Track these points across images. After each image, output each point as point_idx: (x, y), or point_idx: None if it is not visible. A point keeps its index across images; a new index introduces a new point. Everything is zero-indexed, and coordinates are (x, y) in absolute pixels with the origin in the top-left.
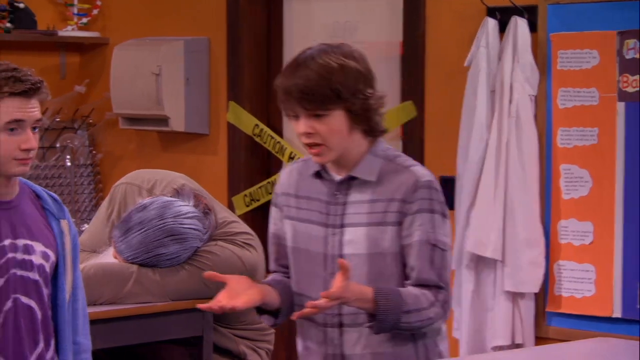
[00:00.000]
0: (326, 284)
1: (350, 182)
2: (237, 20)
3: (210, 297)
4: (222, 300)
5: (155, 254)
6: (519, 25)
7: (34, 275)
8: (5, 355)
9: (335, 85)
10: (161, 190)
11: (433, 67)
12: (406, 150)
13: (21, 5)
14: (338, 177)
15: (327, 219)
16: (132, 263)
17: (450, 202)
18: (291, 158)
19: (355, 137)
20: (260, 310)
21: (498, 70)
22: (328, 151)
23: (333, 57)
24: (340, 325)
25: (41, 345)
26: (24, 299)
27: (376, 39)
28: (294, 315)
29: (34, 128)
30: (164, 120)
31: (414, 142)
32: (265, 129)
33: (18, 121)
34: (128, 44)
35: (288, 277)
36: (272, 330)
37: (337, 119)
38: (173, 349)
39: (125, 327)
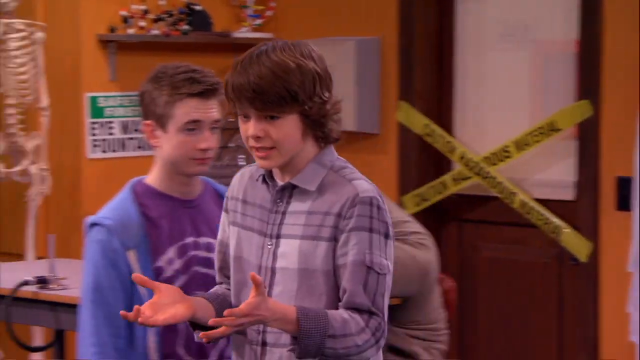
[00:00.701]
0: None
1: (292, 190)
2: (408, 19)
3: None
4: (144, 312)
5: None
6: None
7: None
8: (188, 350)
9: (292, 87)
10: None
11: (610, 66)
12: (581, 149)
13: (198, 8)
14: (280, 183)
15: (265, 228)
16: None
17: (626, 203)
18: (462, 158)
19: (307, 143)
20: (194, 324)
21: None
22: (277, 156)
23: (290, 55)
24: (263, 344)
25: (222, 341)
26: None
27: (550, 37)
28: (210, 321)
29: (212, 128)
30: None
31: (588, 141)
32: (436, 128)
33: (196, 121)
34: None
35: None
36: (446, 330)
37: (291, 123)
38: None
39: None
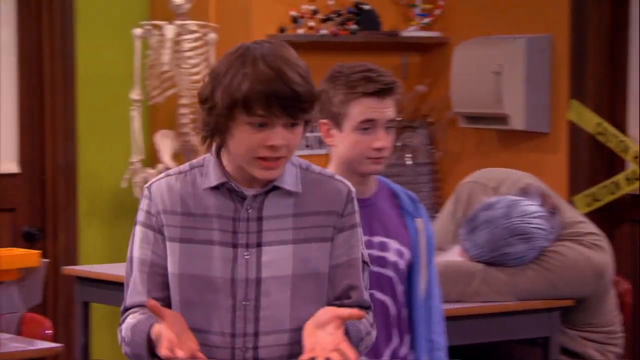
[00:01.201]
0: (234, 314)
1: (266, 194)
2: (581, 17)
3: (557, 298)
4: (175, 347)
5: (501, 253)
6: None
7: (389, 272)
8: None
9: (316, 91)
10: (507, 189)
11: None
12: None
13: (366, 7)
14: (250, 190)
15: (233, 238)
16: (478, 261)
17: None
18: (635, 157)
19: None
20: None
21: None
22: (283, 165)
23: (299, 59)
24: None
25: (395, 340)
26: (379, 295)
27: None
28: None
29: (387, 128)
30: (503, 119)
31: None
32: (609, 127)
33: (371, 121)
34: (469, 43)
35: None
36: (621, 334)
37: (301, 129)
38: (523, 349)
39: (472, 325)
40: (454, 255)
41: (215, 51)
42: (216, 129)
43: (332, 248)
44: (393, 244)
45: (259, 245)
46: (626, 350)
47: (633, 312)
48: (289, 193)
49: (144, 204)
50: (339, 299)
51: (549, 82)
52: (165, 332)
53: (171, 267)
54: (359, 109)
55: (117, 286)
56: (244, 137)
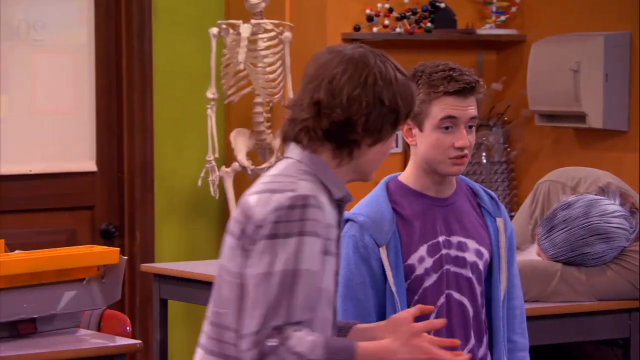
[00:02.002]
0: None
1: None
2: None
3: (638, 299)
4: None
5: (580, 253)
6: None
7: (467, 273)
8: None
9: None
10: (586, 188)
11: None
12: None
13: (442, 5)
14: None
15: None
16: (556, 261)
17: None
18: None
19: None
20: None
21: None
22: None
23: None
24: None
25: (472, 341)
26: (457, 295)
27: None
28: None
29: (469, 127)
30: (581, 117)
31: None
32: None
33: (452, 118)
34: (546, 40)
35: None
36: None
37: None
38: (603, 350)
39: (552, 325)
40: (532, 255)
41: (290, 50)
42: (380, 133)
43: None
44: (472, 244)
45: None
46: None
47: None
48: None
49: (316, 215)
50: None
51: (628, 80)
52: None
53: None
54: (440, 107)
55: (194, 283)
56: (391, 142)
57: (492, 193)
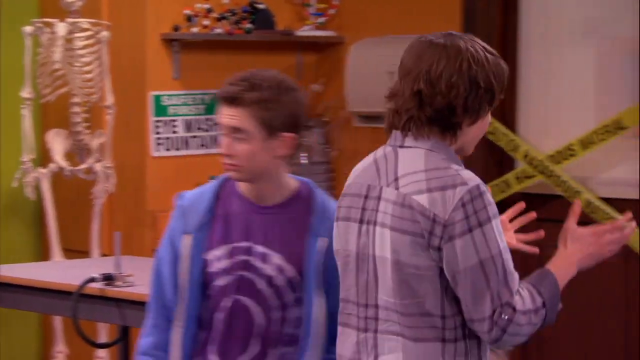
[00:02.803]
0: None
1: None
2: (472, 16)
3: None
4: None
5: None
6: None
7: (261, 284)
8: (213, 349)
9: None
10: None
11: None
12: None
13: (261, 7)
14: None
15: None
16: None
17: None
18: (525, 156)
19: None
20: None
21: None
22: None
23: None
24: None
25: (255, 350)
26: (247, 302)
27: (617, 35)
28: None
29: (232, 136)
30: None
31: None
32: (499, 126)
33: (221, 125)
34: (364, 42)
35: None
36: None
37: None
38: None
39: None
40: None
41: (107, 49)
42: (478, 113)
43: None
44: (276, 259)
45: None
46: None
47: None
48: None
49: (490, 198)
50: None
51: None
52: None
53: None
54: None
55: (10, 287)
56: (486, 120)
57: (333, 209)
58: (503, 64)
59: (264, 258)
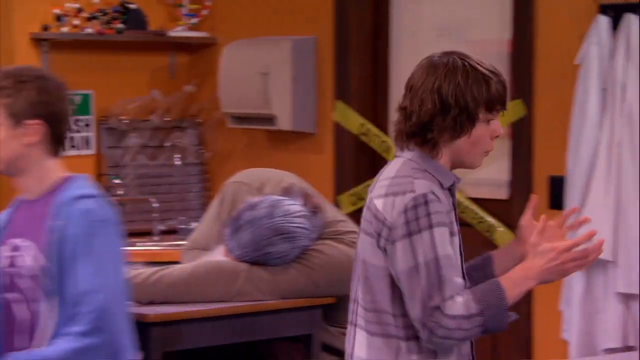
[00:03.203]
0: None
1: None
2: (344, 19)
3: (319, 296)
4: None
5: (264, 253)
6: (632, 23)
7: (22, 276)
8: None
9: None
10: (271, 189)
11: (543, 65)
12: (514, 149)
13: (133, 7)
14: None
15: (453, 227)
16: (242, 261)
17: (559, 202)
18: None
19: None
20: None
21: (610, 69)
22: None
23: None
24: None
25: (25, 343)
26: (9, 296)
27: (484, 37)
28: None
29: None
30: (271, 119)
31: (522, 141)
32: (372, 128)
33: None
34: (237, 44)
35: None
36: None
37: None
38: (286, 346)
39: (236, 324)
40: (219, 255)
41: None
42: (455, 130)
43: None
44: (29, 250)
45: (458, 232)
46: None
47: None
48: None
49: (437, 207)
50: None
51: (314, 84)
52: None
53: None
54: None
55: None
56: (480, 132)
57: (74, 195)
58: (495, 83)
59: (20, 249)
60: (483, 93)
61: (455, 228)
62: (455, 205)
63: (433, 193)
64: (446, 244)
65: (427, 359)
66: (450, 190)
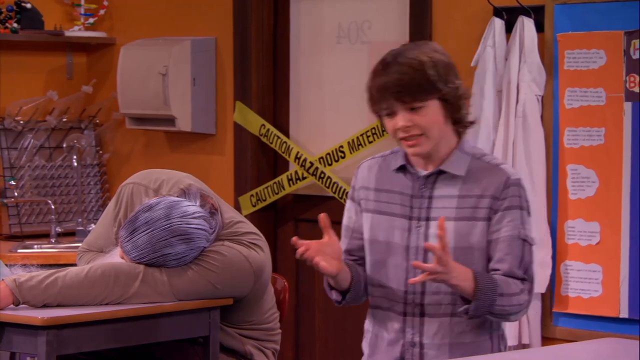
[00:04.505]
0: (407, 275)
1: (437, 176)
2: (244, 20)
3: (217, 297)
4: (311, 248)
5: (161, 254)
6: (526, 25)
7: None
8: None
9: (429, 76)
10: (168, 190)
11: None
12: None
13: (28, 6)
14: (424, 171)
15: (411, 212)
16: (139, 263)
17: None
18: (297, 158)
19: (448, 129)
20: (330, 285)
21: (505, 71)
22: (426, 142)
23: (421, 52)
24: (422, 314)
25: None
26: None
27: (384, 39)
28: (410, 281)
29: None
30: (170, 121)
31: None
32: (272, 129)
33: None
34: (135, 44)
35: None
36: (279, 331)
37: (433, 109)
38: (184, 348)
39: (132, 327)
40: (115, 257)
41: None
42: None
43: (489, 226)
44: None
45: (427, 219)
46: (286, 345)
47: (291, 309)
48: (454, 177)
49: (353, 181)
50: (493, 270)
51: (215, 84)
52: (312, 241)
53: (365, 233)
54: None
55: None
56: (386, 125)
57: None
58: (374, 77)
59: None
60: (370, 87)
61: (373, 206)
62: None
63: (358, 167)
64: (347, 214)
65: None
66: (425, 176)
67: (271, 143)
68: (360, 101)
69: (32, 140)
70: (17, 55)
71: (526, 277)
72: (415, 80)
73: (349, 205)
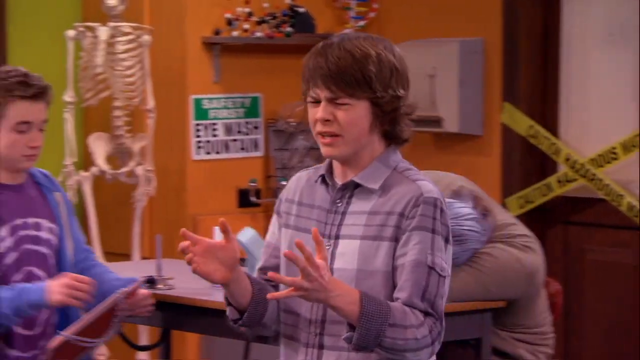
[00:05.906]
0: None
1: (353, 189)
2: (513, 19)
3: (489, 300)
4: (198, 246)
5: None
6: None
7: (43, 249)
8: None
9: (368, 72)
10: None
11: None
12: None
13: (301, 10)
14: (340, 183)
15: (324, 229)
16: None
17: None
18: (567, 159)
19: (374, 138)
20: (228, 301)
21: None
22: (342, 145)
23: (371, 45)
24: (321, 346)
25: (54, 319)
26: (36, 271)
27: None
28: (268, 296)
29: (40, 129)
30: (437, 121)
31: None
32: (541, 130)
33: (27, 122)
34: (403, 45)
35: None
36: (553, 335)
37: (360, 111)
38: (455, 350)
39: None
40: None
41: (149, 53)
42: None
43: (396, 249)
44: (45, 223)
45: (336, 237)
46: (557, 351)
47: (563, 313)
48: (370, 191)
49: (281, 192)
50: (395, 300)
51: (482, 85)
52: (203, 239)
53: (282, 252)
54: (16, 111)
55: None
56: (310, 114)
57: (45, 171)
58: (312, 55)
59: (37, 227)
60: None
61: (293, 221)
62: (340, 200)
63: (291, 179)
64: (270, 228)
65: None
66: (346, 186)
67: (540, 144)
68: (631, 101)
69: (303, 142)
70: (290, 58)
71: (430, 311)
72: (349, 70)
73: (273, 219)
